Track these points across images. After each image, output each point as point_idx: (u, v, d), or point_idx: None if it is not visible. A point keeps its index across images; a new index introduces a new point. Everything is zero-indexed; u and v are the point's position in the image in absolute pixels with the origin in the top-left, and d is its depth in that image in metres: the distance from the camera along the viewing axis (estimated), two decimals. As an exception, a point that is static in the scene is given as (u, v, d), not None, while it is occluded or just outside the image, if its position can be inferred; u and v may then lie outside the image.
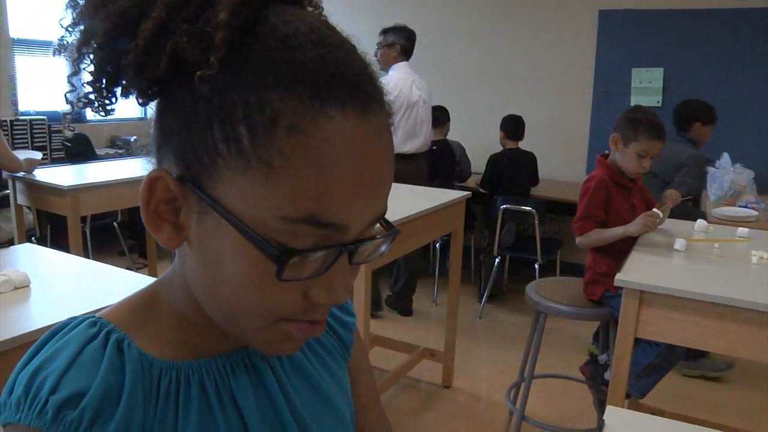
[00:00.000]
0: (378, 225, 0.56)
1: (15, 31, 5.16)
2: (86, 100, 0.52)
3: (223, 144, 0.47)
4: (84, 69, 0.51)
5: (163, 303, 0.60)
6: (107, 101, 0.52)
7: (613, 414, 1.17)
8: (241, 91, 0.47)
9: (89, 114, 5.66)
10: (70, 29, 0.50)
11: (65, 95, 0.53)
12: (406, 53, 4.06)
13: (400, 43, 4.02)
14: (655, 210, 2.46)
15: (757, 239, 2.59)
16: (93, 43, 0.49)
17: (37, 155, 3.67)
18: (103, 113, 0.52)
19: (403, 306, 4.39)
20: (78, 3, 0.50)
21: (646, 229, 2.43)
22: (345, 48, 0.50)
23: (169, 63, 0.47)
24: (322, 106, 0.47)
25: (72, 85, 0.53)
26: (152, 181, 0.51)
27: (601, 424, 1.13)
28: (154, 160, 0.54)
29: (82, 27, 0.50)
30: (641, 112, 2.54)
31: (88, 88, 0.51)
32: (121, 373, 0.54)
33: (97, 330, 0.55)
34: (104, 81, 0.51)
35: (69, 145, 5.16)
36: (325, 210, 0.48)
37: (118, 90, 0.51)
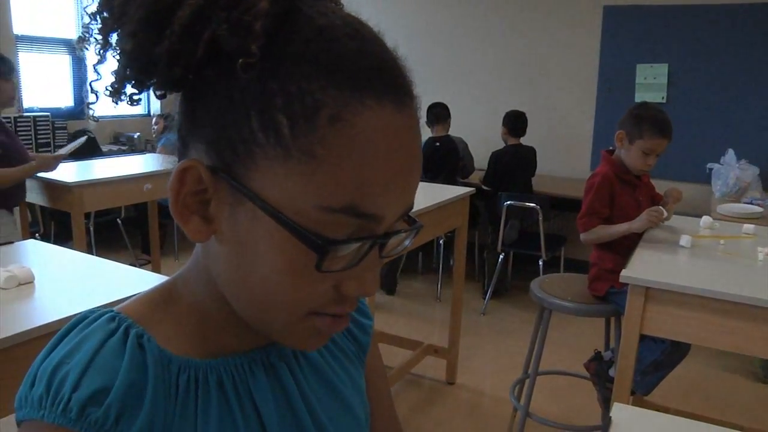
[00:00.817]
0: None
1: (18, 28, 5.16)
2: (112, 89, 0.51)
3: (261, 133, 0.47)
4: (112, 57, 0.50)
5: (182, 299, 0.59)
6: (135, 91, 0.51)
7: (621, 411, 1.16)
8: (280, 80, 0.46)
9: (89, 107, 5.68)
10: (96, 16, 0.49)
11: (90, 84, 0.52)
12: None
13: None
14: (659, 206, 2.45)
15: (762, 236, 2.58)
16: (124, 31, 0.48)
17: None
18: (130, 103, 0.52)
19: (388, 283, 4.49)
20: None
21: (650, 225, 2.42)
22: (378, 41, 0.51)
23: (206, 51, 0.47)
24: (362, 96, 0.47)
25: (98, 73, 0.51)
26: (183, 171, 0.50)
27: (608, 420, 1.13)
28: (177, 153, 0.54)
29: (110, 14, 0.49)
30: (647, 109, 2.52)
31: (115, 77, 0.50)
32: (143, 370, 0.53)
33: (116, 325, 0.54)
34: (134, 70, 0.49)
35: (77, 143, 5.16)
36: (365, 200, 0.48)
37: (146, 79, 0.50)
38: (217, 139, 0.49)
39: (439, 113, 4.68)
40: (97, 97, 0.52)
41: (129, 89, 0.51)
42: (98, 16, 0.49)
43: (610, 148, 2.65)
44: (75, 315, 0.57)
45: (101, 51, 0.50)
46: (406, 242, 0.57)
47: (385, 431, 0.81)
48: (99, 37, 0.50)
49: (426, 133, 4.74)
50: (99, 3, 0.49)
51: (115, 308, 0.57)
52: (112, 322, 0.55)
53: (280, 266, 0.50)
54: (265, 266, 0.50)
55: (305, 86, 0.46)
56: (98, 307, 0.59)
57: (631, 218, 2.44)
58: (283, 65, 0.46)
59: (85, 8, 0.51)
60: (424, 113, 4.70)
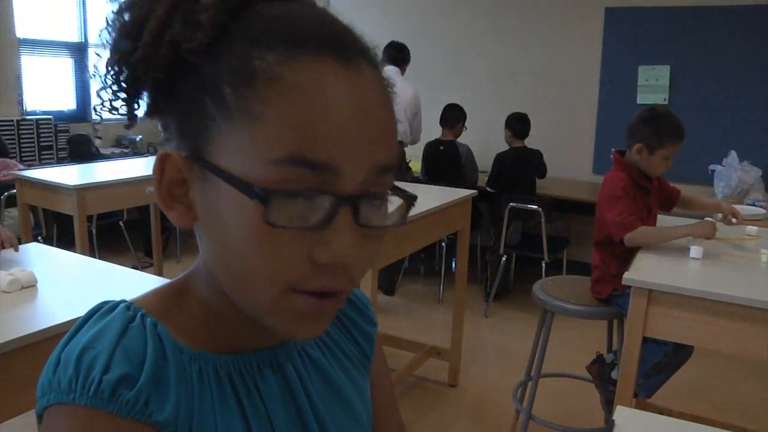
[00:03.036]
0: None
1: (21, 32, 5.17)
2: (109, 105, 0.56)
3: (213, 108, 0.50)
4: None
5: (192, 294, 0.60)
6: (128, 103, 0.56)
7: (624, 414, 1.16)
8: (226, 59, 0.50)
9: (94, 114, 5.69)
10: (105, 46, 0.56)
11: (94, 108, 0.59)
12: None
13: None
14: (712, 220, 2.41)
15: (766, 237, 2.57)
16: (112, 49, 0.55)
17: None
18: (128, 120, 0.57)
19: (387, 284, 4.50)
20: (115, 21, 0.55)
21: (709, 236, 2.33)
22: (328, 13, 0.55)
23: (168, 51, 0.51)
24: (298, 54, 0.49)
25: (100, 97, 0.56)
26: (160, 160, 0.54)
27: (611, 424, 1.12)
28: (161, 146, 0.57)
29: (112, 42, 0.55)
30: (660, 116, 2.47)
31: (108, 94, 0.56)
32: (163, 357, 0.54)
33: (133, 313, 0.56)
34: (122, 83, 0.55)
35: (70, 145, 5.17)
36: (309, 147, 0.48)
37: (135, 89, 0.55)
38: (183, 126, 0.53)
39: (450, 116, 4.66)
40: (101, 119, 0.58)
41: (123, 103, 0.56)
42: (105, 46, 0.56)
43: (621, 150, 2.58)
44: (78, 319, 0.58)
45: (104, 77, 0.56)
46: (397, 215, 0.56)
47: None
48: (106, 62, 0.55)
49: (437, 134, 4.75)
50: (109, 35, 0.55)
51: (128, 300, 0.59)
52: (128, 310, 0.56)
53: (244, 230, 0.50)
54: (234, 236, 0.51)
55: (245, 57, 0.49)
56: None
57: (642, 224, 2.40)
58: (231, 48, 0.50)
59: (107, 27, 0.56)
60: (439, 114, 4.71)
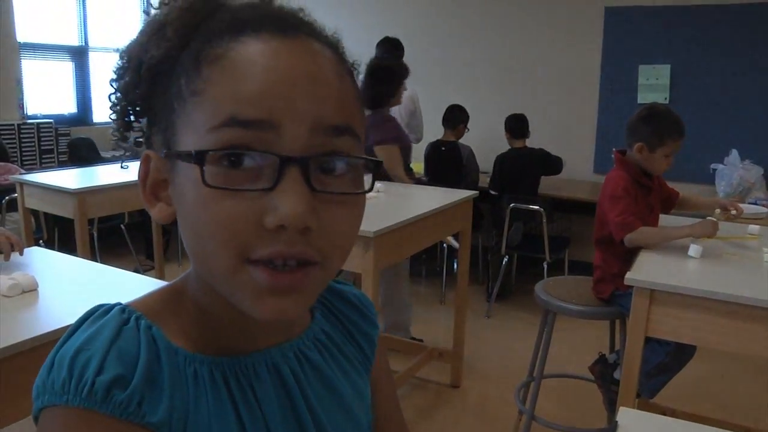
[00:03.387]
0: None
1: (22, 35, 5.18)
2: (119, 133, 0.63)
3: (175, 102, 0.54)
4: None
5: (188, 296, 0.61)
6: (126, 120, 0.62)
7: (627, 415, 1.16)
8: (184, 60, 0.55)
9: (95, 117, 5.70)
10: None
11: (117, 142, 0.64)
12: None
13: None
14: (713, 219, 2.40)
15: (766, 236, 2.57)
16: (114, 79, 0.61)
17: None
18: (137, 146, 0.63)
19: None
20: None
21: (710, 235, 2.33)
22: (276, 3, 0.59)
23: (147, 71, 0.57)
24: (239, 36, 0.53)
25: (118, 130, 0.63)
26: (143, 161, 0.59)
27: (614, 425, 1.12)
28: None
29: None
30: (659, 114, 2.46)
31: (120, 124, 0.62)
32: (157, 359, 0.55)
33: (127, 316, 0.57)
34: (126, 112, 0.61)
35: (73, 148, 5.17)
36: (243, 108, 0.50)
37: (129, 113, 0.61)
38: (157, 129, 0.58)
39: (452, 117, 4.66)
40: (125, 151, 0.65)
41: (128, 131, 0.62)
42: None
43: (622, 149, 2.58)
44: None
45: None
46: (340, 165, 0.53)
47: None
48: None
49: (439, 134, 4.74)
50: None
51: (124, 303, 0.60)
52: (123, 313, 0.57)
53: (193, 197, 0.52)
54: (190, 210, 0.53)
55: (198, 50, 0.54)
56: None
57: (645, 223, 2.40)
58: (189, 50, 0.55)
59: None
60: (441, 114, 4.71)
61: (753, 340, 1.91)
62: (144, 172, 0.59)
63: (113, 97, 0.61)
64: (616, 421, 1.13)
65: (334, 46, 0.58)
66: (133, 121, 0.62)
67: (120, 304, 0.59)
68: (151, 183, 0.59)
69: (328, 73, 0.54)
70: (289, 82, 0.51)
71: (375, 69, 3.40)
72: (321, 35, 0.57)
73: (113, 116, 0.62)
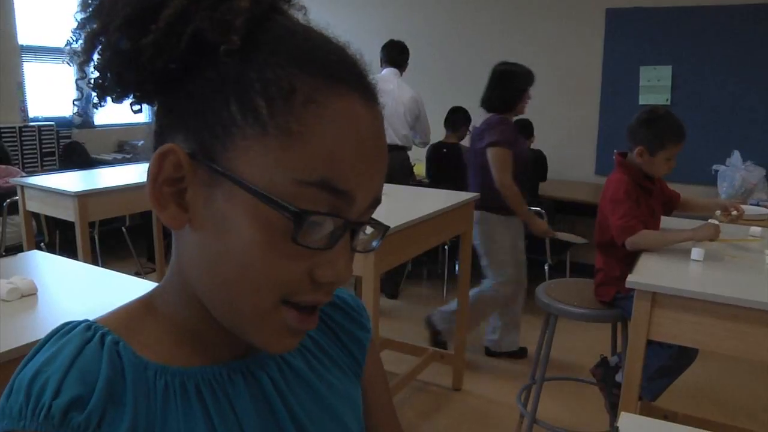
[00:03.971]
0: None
1: (23, 38, 5.18)
2: (97, 84, 0.54)
3: (240, 115, 0.50)
4: (97, 57, 0.53)
5: (159, 308, 0.60)
6: (119, 88, 0.54)
7: (628, 420, 1.15)
8: (257, 69, 0.50)
9: (97, 119, 5.70)
10: (86, 23, 0.53)
11: (76, 82, 0.55)
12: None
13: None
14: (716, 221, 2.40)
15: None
16: (111, 27, 0.51)
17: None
18: (114, 100, 0.55)
19: (390, 288, 4.52)
20: None
21: (712, 239, 2.32)
22: (343, 45, 0.56)
23: (188, 44, 0.50)
24: (334, 84, 0.51)
25: (84, 72, 0.54)
26: (162, 155, 0.52)
27: (615, 429, 1.11)
28: (153, 142, 0.56)
29: (99, 16, 0.52)
30: (659, 117, 2.45)
31: (100, 73, 0.53)
32: (121, 374, 0.53)
33: (92, 333, 0.55)
34: (118, 64, 0.52)
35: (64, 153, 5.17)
36: (337, 176, 0.51)
37: (130, 75, 0.52)
38: (196, 126, 0.52)
39: (455, 120, 4.66)
40: (83, 95, 0.56)
41: (112, 86, 0.53)
42: (87, 23, 0.53)
43: (624, 151, 2.57)
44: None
45: (87, 52, 0.53)
46: (374, 243, 0.60)
47: None
48: (85, 41, 0.53)
49: (441, 136, 4.74)
50: (91, 9, 0.53)
51: (92, 318, 0.58)
52: (88, 330, 0.55)
53: (256, 241, 0.51)
54: (241, 245, 0.51)
55: (281, 73, 0.50)
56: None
57: (647, 226, 2.39)
58: (260, 56, 0.51)
59: (74, 14, 0.54)
60: (444, 116, 4.70)
61: (755, 343, 1.91)
62: (158, 168, 0.53)
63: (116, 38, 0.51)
64: (617, 426, 1.12)
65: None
66: (124, 83, 0.53)
67: (87, 320, 0.57)
68: (164, 180, 0.53)
69: (387, 151, 0.57)
70: (372, 158, 0.53)
71: (502, 74, 3.49)
72: (379, 101, 0.57)
73: (98, 61, 0.53)
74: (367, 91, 0.54)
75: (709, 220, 2.41)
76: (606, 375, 2.68)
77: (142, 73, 0.52)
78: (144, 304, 0.61)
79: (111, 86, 0.53)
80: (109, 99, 0.55)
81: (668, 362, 2.50)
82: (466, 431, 2.98)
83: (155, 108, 0.56)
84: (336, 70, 0.52)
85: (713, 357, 3.55)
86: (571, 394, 3.23)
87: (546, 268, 4.20)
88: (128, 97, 0.54)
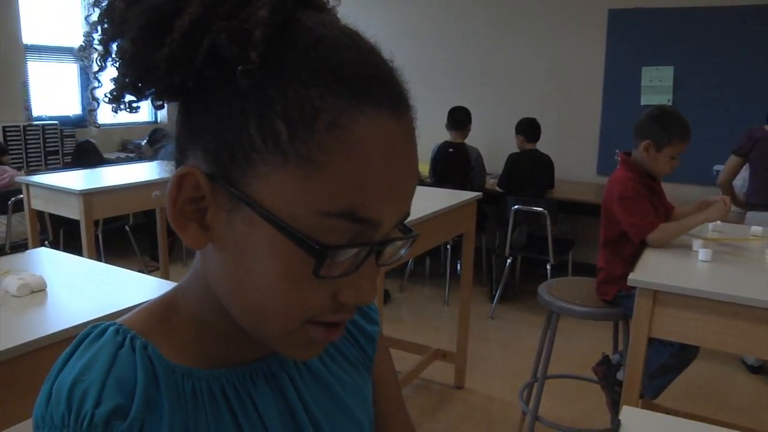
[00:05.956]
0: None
1: (28, 38, 5.20)
2: (112, 96, 0.51)
3: (260, 139, 0.47)
4: (111, 65, 0.51)
5: (182, 309, 0.60)
6: (134, 98, 0.52)
7: (630, 414, 1.17)
8: (278, 87, 0.47)
9: (100, 119, 5.72)
10: (97, 26, 0.50)
11: (91, 92, 0.53)
12: None
13: None
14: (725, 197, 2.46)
15: (770, 238, 2.58)
16: (124, 38, 0.49)
17: None
18: (129, 111, 0.52)
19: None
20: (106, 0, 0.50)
21: (724, 214, 2.40)
22: (375, 51, 0.52)
23: (204, 58, 0.47)
24: (360, 103, 0.47)
25: (98, 81, 0.52)
26: (181, 177, 0.51)
27: (617, 423, 1.13)
28: (174, 161, 0.55)
29: (111, 23, 0.50)
30: (668, 114, 2.49)
31: (115, 85, 0.51)
32: (155, 380, 0.54)
33: (122, 337, 0.55)
34: (133, 77, 0.50)
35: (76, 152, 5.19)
36: (363, 205, 0.48)
37: (145, 87, 0.50)
38: (215, 146, 0.50)
39: (459, 119, 4.68)
40: (98, 104, 0.53)
41: (128, 97, 0.51)
42: (99, 26, 0.50)
43: (628, 151, 2.58)
44: (88, 322, 0.58)
45: (101, 60, 0.51)
46: (402, 251, 0.57)
47: None
48: (100, 46, 0.51)
49: (444, 136, 4.75)
50: (100, 12, 0.50)
51: (117, 320, 0.58)
52: (117, 335, 0.55)
53: (278, 272, 0.50)
54: (263, 273, 0.50)
55: (303, 93, 0.47)
56: (110, 314, 0.60)
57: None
58: (281, 73, 0.47)
59: (86, 17, 0.52)
60: (445, 117, 4.72)
61: (755, 341, 1.92)
62: (177, 189, 0.51)
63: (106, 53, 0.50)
64: (619, 420, 1.14)
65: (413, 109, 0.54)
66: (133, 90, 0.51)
67: (114, 323, 0.57)
68: (184, 201, 0.52)
69: (417, 163, 0.54)
70: (401, 180, 0.51)
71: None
72: (410, 101, 0.53)
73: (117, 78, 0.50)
74: (398, 102, 0.50)
75: (714, 198, 2.44)
76: (608, 373, 2.70)
77: (159, 85, 0.50)
78: (166, 304, 0.60)
79: (126, 95, 0.51)
80: (124, 108, 0.53)
81: (669, 360, 2.52)
82: (469, 429, 3.00)
83: (177, 111, 0.54)
84: (364, 87, 0.48)
85: (714, 356, 3.57)
86: (573, 392, 3.24)
87: (548, 267, 4.21)
88: (144, 100, 0.52)
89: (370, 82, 0.48)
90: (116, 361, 0.53)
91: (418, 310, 4.55)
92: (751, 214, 3.52)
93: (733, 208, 3.83)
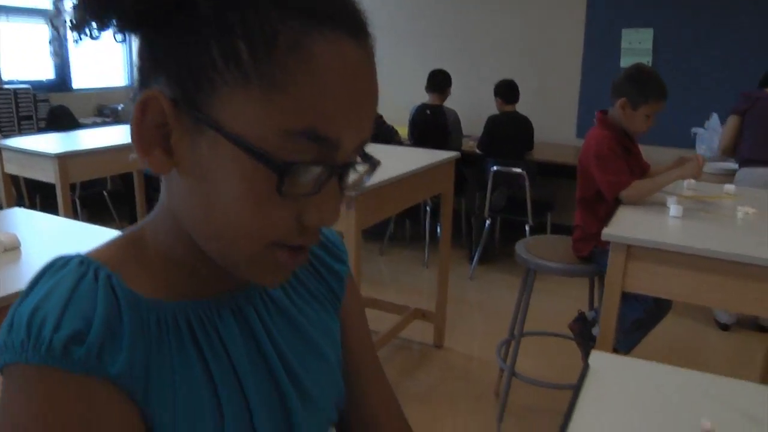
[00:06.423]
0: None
1: (-4, -2, 5.06)
2: (74, 24, 0.51)
3: (221, 61, 0.49)
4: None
5: (149, 243, 0.61)
6: (97, 25, 0.51)
7: (599, 359, 1.19)
8: (239, 10, 0.48)
9: (75, 83, 5.61)
10: None
11: (51, 20, 0.53)
12: None
13: None
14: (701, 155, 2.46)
15: (743, 195, 2.61)
16: None
17: None
18: (89, 37, 0.52)
19: None
20: None
21: (698, 174, 2.41)
22: None
23: None
24: (319, 25, 0.49)
25: (59, 10, 0.53)
26: (145, 102, 0.52)
27: (586, 367, 1.15)
28: (137, 87, 0.55)
29: None
30: (645, 72, 2.49)
31: (78, 12, 0.51)
32: (117, 309, 0.54)
33: (86, 268, 0.56)
34: (96, 5, 0.50)
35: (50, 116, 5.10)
36: (324, 123, 0.50)
37: (109, 14, 0.51)
38: (177, 71, 0.51)
39: (439, 82, 4.64)
40: (59, 33, 0.53)
41: (89, 26, 0.52)
42: None
43: (605, 110, 2.60)
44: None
45: None
46: (366, 179, 0.59)
47: (365, 372, 0.81)
48: None
49: (423, 98, 4.73)
50: None
51: (83, 252, 0.58)
52: (81, 265, 0.56)
53: (242, 192, 0.51)
54: (227, 194, 0.52)
55: (264, 15, 0.48)
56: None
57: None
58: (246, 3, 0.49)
59: None
60: (425, 79, 4.68)
61: (727, 294, 1.96)
62: (141, 114, 0.52)
63: None
64: (588, 363, 1.16)
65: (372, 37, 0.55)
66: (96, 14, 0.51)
67: (79, 255, 0.58)
68: (148, 125, 0.53)
69: (376, 85, 0.55)
70: (361, 100, 0.52)
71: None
72: (371, 31, 0.54)
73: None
74: (357, 27, 0.52)
75: (690, 155, 2.46)
76: (583, 329, 2.75)
77: (121, 13, 0.50)
78: (134, 238, 0.61)
79: (88, 23, 0.51)
80: (86, 36, 0.53)
81: (643, 315, 2.56)
82: (448, 387, 3.05)
83: (139, 41, 0.54)
84: (323, 10, 0.49)
85: (687, 314, 3.65)
86: (550, 349, 3.30)
87: (527, 229, 4.25)
88: (106, 30, 0.52)
89: (329, 6, 0.50)
90: (77, 290, 0.54)
91: (398, 272, 4.58)
92: (742, 172, 3.54)
93: (714, 165, 3.89)
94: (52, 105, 5.22)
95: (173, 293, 0.60)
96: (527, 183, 4.14)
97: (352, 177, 0.57)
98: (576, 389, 1.06)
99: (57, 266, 0.57)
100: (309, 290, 0.74)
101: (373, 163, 0.59)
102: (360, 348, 0.81)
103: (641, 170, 2.68)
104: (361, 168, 0.58)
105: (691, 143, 4.46)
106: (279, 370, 0.65)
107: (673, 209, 2.28)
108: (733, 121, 3.65)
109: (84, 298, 0.53)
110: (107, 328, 0.53)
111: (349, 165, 0.55)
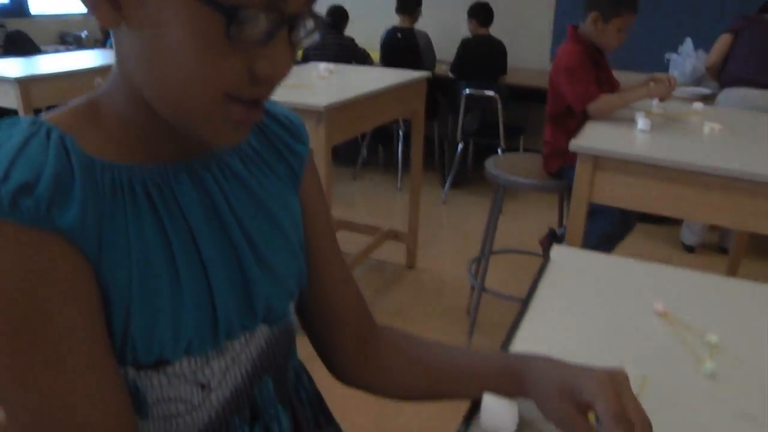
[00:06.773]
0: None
1: None
2: None
3: None
4: None
5: (105, 107, 0.60)
6: None
7: (559, 252, 1.22)
8: None
9: (32, 8, 5.39)
10: None
11: None
12: None
13: None
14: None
15: (710, 113, 2.63)
16: None
17: None
18: None
19: None
20: None
21: (666, 95, 2.43)
22: None
23: None
24: None
25: None
26: None
27: (546, 259, 1.18)
28: None
29: None
30: None
31: None
32: (68, 166, 0.54)
33: (37, 127, 0.55)
34: None
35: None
36: None
37: None
38: None
39: (407, 2, 4.55)
40: None
41: None
42: None
43: (576, 24, 2.58)
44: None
45: None
46: (316, 35, 0.59)
47: (324, 252, 0.82)
48: None
49: (395, 21, 4.64)
50: None
51: (36, 116, 0.58)
52: (33, 125, 0.55)
53: (191, 38, 0.51)
54: (176, 43, 0.51)
55: None
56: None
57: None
58: None
59: None
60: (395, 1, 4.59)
61: (692, 205, 1.99)
62: None
63: None
64: (549, 256, 1.19)
65: None
66: None
67: (31, 117, 0.57)
68: None
69: None
70: None
71: None
72: None
73: None
74: None
75: (661, 75, 2.47)
76: (552, 245, 2.79)
77: None
78: (90, 104, 0.61)
79: None
80: None
81: (609, 229, 2.61)
82: (421, 305, 3.11)
83: None
84: None
85: (653, 236, 3.73)
86: (521, 266, 3.37)
87: (499, 152, 4.26)
88: None
89: None
90: (27, 145, 0.53)
91: (371, 195, 4.59)
92: (726, 92, 3.53)
93: (684, 90, 3.91)
94: (9, 30, 5.03)
95: (128, 157, 0.60)
96: (500, 106, 4.13)
97: (303, 30, 0.57)
98: (535, 279, 1.09)
99: (5, 124, 0.56)
100: (269, 165, 0.74)
101: (321, 22, 0.58)
102: (318, 227, 0.81)
103: (611, 86, 2.68)
104: (310, 25, 0.57)
105: (664, 68, 4.45)
106: (238, 236, 0.66)
107: (641, 123, 2.30)
108: (724, 38, 3.63)
109: (34, 153, 0.53)
110: (57, 183, 0.52)
111: (299, 17, 0.55)
